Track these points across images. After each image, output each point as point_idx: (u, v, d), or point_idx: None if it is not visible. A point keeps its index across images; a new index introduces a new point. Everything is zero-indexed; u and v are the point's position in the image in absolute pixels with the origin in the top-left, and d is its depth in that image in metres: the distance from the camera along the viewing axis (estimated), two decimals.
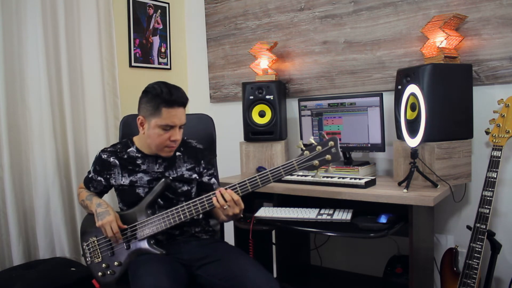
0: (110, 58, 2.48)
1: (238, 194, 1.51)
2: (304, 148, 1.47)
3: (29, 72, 2.17)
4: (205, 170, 1.75)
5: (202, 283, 1.56)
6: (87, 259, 1.66)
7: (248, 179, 1.51)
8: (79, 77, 2.36)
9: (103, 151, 1.72)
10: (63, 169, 2.28)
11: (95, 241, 1.64)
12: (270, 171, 1.49)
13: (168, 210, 1.57)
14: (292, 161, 1.48)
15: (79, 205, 2.29)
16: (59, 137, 2.27)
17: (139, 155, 1.68)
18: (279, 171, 1.49)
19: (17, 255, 2.10)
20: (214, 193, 1.53)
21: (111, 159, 1.68)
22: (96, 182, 1.73)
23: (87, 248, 1.66)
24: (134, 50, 2.71)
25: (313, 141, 1.46)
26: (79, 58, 2.36)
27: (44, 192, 2.20)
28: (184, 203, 1.57)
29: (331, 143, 1.44)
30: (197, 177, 1.73)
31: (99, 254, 1.63)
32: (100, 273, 1.62)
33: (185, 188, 1.69)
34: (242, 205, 1.53)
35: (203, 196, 1.55)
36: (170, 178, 1.66)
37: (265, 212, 1.87)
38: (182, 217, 1.56)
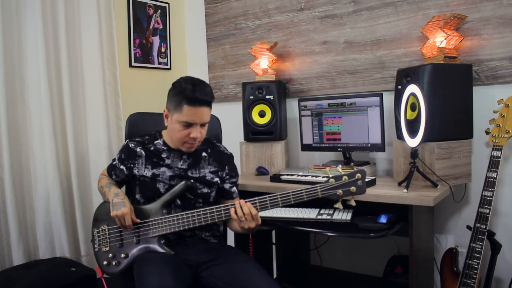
0: (111, 58, 2.48)
1: (256, 209, 1.49)
2: (330, 176, 1.46)
3: (29, 72, 2.17)
4: (227, 177, 1.75)
5: (206, 285, 1.56)
6: (95, 246, 1.66)
7: (269, 197, 1.49)
8: (79, 77, 2.36)
9: (131, 140, 1.73)
10: (63, 169, 2.28)
11: (106, 230, 1.64)
12: (292, 192, 1.47)
13: (184, 213, 1.57)
14: (316, 187, 1.45)
15: (79, 205, 2.30)
16: (59, 137, 2.27)
17: (165, 148, 1.69)
18: (301, 194, 1.46)
19: (17, 255, 2.10)
20: (233, 205, 1.51)
21: (138, 149, 1.69)
22: (119, 170, 1.73)
23: (97, 235, 1.66)
24: (134, 50, 2.71)
25: (341, 170, 1.46)
26: (80, 58, 2.36)
27: (44, 192, 2.20)
28: (201, 210, 1.55)
29: (358, 175, 1.43)
30: (219, 182, 1.72)
31: (108, 243, 1.63)
32: (105, 262, 1.61)
33: (205, 190, 1.69)
34: (259, 221, 1.51)
35: (221, 206, 1.54)
36: (191, 181, 1.65)
37: (265, 212, 1.87)
38: (196, 222, 1.55)
